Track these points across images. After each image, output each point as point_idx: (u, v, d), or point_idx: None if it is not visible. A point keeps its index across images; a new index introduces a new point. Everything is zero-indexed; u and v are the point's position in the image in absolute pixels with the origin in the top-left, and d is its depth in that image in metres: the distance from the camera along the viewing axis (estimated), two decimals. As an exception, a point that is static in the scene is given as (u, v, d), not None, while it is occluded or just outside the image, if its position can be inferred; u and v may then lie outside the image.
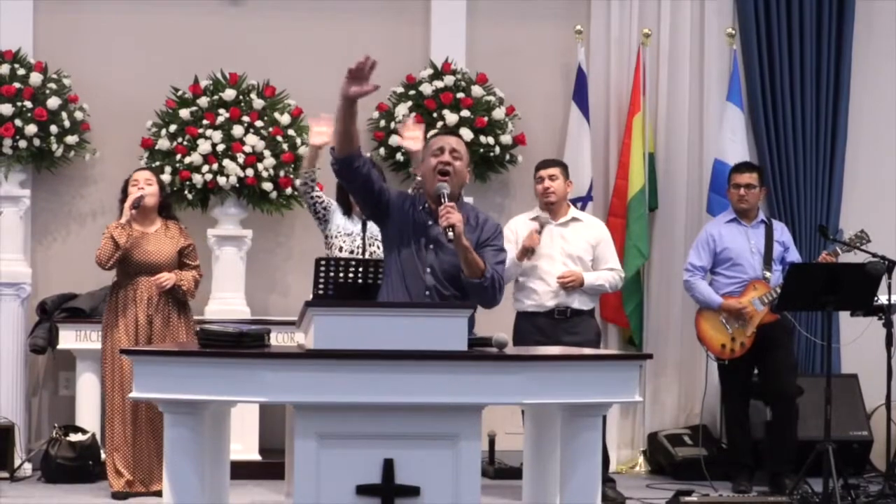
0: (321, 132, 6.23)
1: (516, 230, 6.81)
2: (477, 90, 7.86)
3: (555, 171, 6.82)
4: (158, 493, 6.46)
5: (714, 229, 7.26)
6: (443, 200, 4.64)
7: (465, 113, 7.75)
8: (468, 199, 7.76)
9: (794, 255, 7.29)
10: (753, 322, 7.02)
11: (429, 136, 4.97)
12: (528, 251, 6.66)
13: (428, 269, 4.71)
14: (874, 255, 6.67)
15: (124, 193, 6.69)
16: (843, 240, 7.15)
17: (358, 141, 4.67)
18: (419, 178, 5.83)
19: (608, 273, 6.79)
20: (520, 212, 8.14)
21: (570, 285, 6.64)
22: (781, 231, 7.33)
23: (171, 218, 6.83)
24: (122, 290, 6.62)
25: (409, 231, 4.76)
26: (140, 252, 6.57)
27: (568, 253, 6.73)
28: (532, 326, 6.67)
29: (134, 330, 6.56)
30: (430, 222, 4.75)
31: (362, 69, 4.45)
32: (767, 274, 7.10)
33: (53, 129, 7.42)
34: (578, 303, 6.70)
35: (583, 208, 7.61)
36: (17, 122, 7.37)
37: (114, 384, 6.58)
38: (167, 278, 6.59)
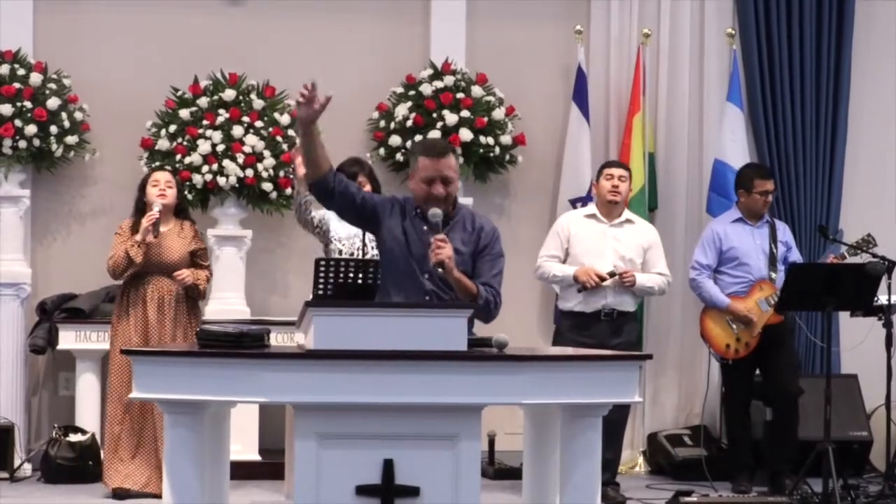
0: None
1: (567, 227, 6.88)
2: (477, 90, 7.85)
3: (624, 172, 6.94)
4: (158, 495, 6.48)
5: (720, 227, 7.23)
6: (437, 226, 4.56)
7: (465, 113, 7.75)
8: (468, 200, 7.82)
9: (795, 255, 7.27)
10: (759, 323, 7.01)
11: (419, 144, 4.89)
12: (580, 285, 6.70)
13: (426, 275, 4.66)
14: (874, 256, 6.67)
15: (142, 192, 6.68)
16: (843, 240, 7.14)
17: (327, 161, 4.66)
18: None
19: (658, 277, 6.89)
20: (519, 212, 8.20)
21: (626, 283, 6.68)
22: (783, 231, 7.32)
23: (188, 219, 6.82)
24: (132, 289, 6.62)
25: (402, 237, 4.70)
26: (152, 251, 6.55)
27: (620, 254, 6.79)
28: (576, 326, 6.74)
29: (144, 328, 6.56)
30: (425, 227, 4.68)
31: (307, 94, 4.43)
32: (773, 275, 7.08)
33: (53, 129, 7.42)
34: (625, 305, 6.79)
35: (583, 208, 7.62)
36: (17, 123, 7.37)
37: (121, 382, 6.56)
38: (186, 275, 6.60)
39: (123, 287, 6.67)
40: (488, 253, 4.74)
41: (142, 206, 6.65)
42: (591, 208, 6.98)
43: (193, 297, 6.71)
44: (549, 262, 6.86)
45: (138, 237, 6.49)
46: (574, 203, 7.77)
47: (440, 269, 4.51)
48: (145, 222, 6.49)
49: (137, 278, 6.60)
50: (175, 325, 6.61)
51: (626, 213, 6.97)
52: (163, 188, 6.65)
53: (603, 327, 6.73)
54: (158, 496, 6.39)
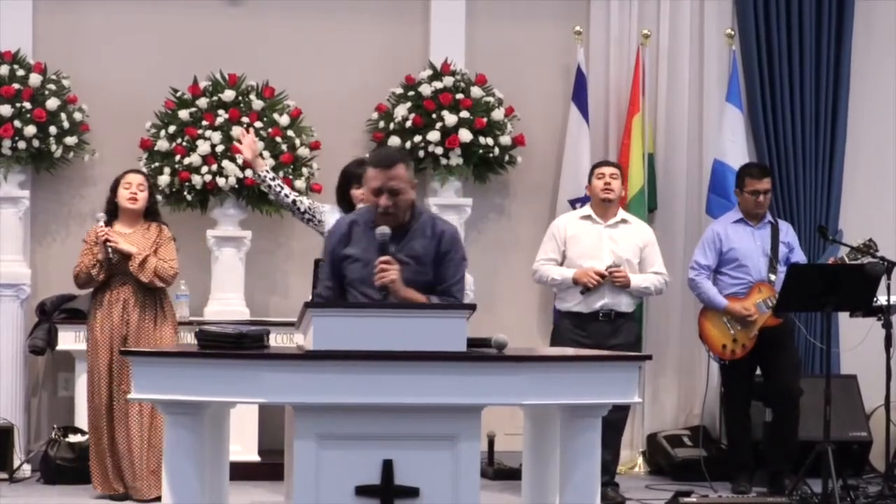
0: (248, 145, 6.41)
1: (564, 229, 6.89)
2: (476, 91, 7.84)
3: (615, 171, 6.95)
4: (153, 499, 6.46)
5: (720, 228, 7.22)
6: (383, 247, 4.48)
7: (465, 114, 7.74)
8: (468, 200, 7.82)
9: (798, 256, 7.24)
10: (757, 325, 7.00)
11: (371, 153, 4.84)
12: (582, 287, 6.71)
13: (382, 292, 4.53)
14: (873, 256, 6.67)
15: (114, 192, 6.65)
16: (843, 241, 7.13)
17: None
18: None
19: (654, 277, 6.87)
20: (519, 212, 8.19)
21: (619, 283, 6.68)
22: (786, 231, 7.30)
23: (156, 221, 6.72)
24: (100, 293, 6.61)
25: (361, 253, 4.62)
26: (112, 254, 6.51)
27: (617, 255, 6.78)
28: (574, 326, 6.75)
29: (109, 330, 6.52)
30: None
31: None
32: (772, 277, 7.07)
33: (52, 129, 7.41)
34: (623, 306, 6.78)
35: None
36: (17, 123, 7.36)
37: (92, 386, 6.55)
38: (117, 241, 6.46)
39: (95, 291, 6.65)
40: (450, 258, 4.65)
41: (112, 208, 6.65)
42: (587, 210, 6.97)
43: (152, 286, 6.50)
44: (546, 265, 6.86)
45: (98, 255, 6.48)
46: (574, 203, 7.76)
47: (384, 293, 4.45)
48: (100, 254, 6.45)
49: (104, 283, 6.57)
50: (139, 327, 6.52)
51: (621, 213, 6.97)
52: (134, 191, 6.62)
53: (601, 327, 6.73)
54: (155, 498, 6.39)
